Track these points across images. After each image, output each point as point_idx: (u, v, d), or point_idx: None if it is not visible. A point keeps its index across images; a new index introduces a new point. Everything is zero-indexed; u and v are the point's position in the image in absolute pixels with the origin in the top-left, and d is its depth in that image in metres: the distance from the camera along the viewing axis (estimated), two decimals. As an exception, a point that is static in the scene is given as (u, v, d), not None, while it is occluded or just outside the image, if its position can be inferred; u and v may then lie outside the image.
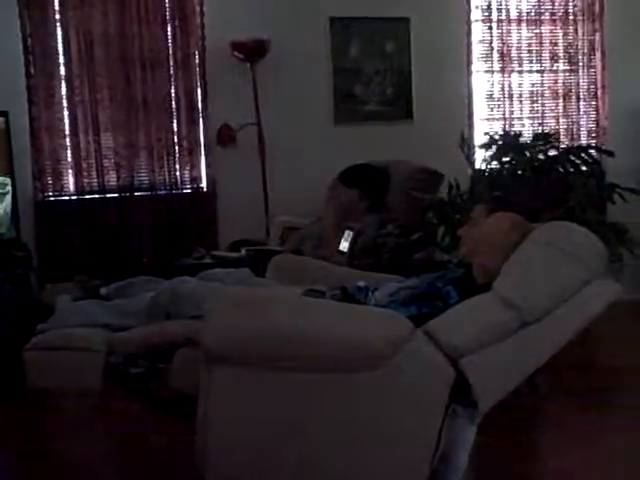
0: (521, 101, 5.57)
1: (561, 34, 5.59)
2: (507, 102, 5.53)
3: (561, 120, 5.64)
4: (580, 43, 5.61)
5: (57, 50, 4.79)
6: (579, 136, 5.67)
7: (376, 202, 4.16)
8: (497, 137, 3.97)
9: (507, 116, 5.53)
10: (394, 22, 5.29)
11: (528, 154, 3.81)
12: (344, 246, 3.84)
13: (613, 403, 3.66)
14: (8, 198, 4.46)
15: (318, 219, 4.32)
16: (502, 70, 5.51)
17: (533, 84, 5.60)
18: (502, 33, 5.49)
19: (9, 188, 4.46)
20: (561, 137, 5.49)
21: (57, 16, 4.76)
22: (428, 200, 3.91)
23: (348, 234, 3.85)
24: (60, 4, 4.75)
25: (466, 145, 4.03)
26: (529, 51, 5.55)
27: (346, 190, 4.20)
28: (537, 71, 5.60)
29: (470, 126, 5.39)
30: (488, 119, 5.53)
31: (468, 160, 4.01)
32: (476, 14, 5.47)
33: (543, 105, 5.61)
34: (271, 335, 2.15)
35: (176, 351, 2.62)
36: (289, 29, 5.03)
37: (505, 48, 5.50)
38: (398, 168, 4.30)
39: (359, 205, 4.14)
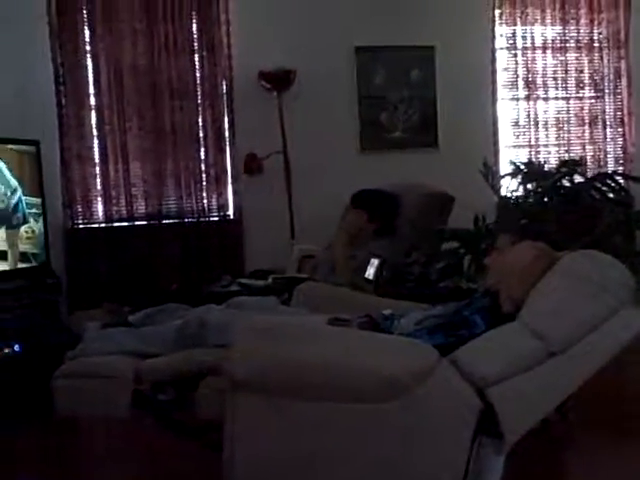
0: (547, 128, 5.56)
1: (586, 61, 5.59)
2: (533, 129, 5.53)
3: (587, 147, 5.63)
4: (606, 70, 5.61)
5: (87, 80, 4.90)
6: (606, 163, 5.65)
7: (384, 226, 4.14)
8: (522, 166, 3.95)
9: (533, 143, 5.53)
10: (419, 50, 5.33)
11: (553, 181, 3.80)
12: (370, 273, 3.84)
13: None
14: (41, 220, 4.51)
15: (329, 246, 4.32)
16: (527, 97, 5.51)
17: (559, 111, 5.59)
18: (527, 60, 5.51)
19: (41, 210, 4.53)
20: (588, 164, 5.46)
21: (87, 47, 4.88)
22: (449, 232, 3.89)
23: (373, 262, 3.85)
24: (90, 35, 4.87)
25: (490, 172, 4.01)
26: (554, 78, 5.56)
27: (353, 211, 4.21)
28: (563, 98, 5.60)
29: (496, 153, 5.39)
30: (514, 146, 5.53)
31: (492, 188, 3.99)
32: (501, 42, 5.49)
33: (569, 132, 5.60)
34: (296, 364, 2.15)
35: (202, 379, 2.64)
36: (315, 59, 5.09)
37: (530, 75, 5.51)
38: (411, 193, 4.30)
39: (366, 227, 4.13)
